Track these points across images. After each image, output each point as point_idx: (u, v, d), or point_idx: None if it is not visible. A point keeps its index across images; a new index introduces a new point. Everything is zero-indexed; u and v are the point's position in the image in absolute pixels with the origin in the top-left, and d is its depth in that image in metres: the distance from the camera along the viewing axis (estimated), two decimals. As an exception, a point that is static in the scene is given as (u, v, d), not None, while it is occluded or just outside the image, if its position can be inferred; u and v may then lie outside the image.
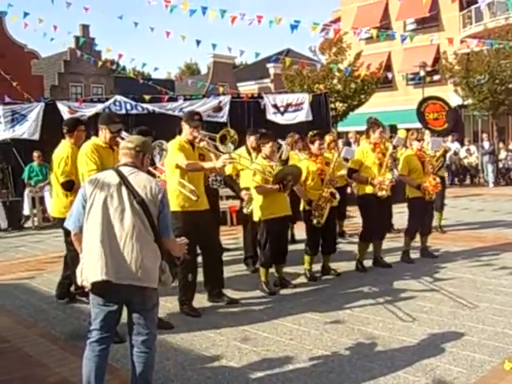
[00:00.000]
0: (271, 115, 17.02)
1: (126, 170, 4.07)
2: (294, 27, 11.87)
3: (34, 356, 5.29)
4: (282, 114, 17.05)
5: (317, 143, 7.89)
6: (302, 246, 8.20)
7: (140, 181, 4.02)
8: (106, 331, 4.02)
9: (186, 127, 6.48)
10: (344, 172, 8.92)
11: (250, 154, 8.26)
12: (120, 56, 17.28)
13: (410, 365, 4.82)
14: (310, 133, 8.26)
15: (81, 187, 4.15)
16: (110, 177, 4.04)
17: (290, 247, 8.48)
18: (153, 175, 6.16)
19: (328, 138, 10.48)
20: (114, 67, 22.55)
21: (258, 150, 7.82)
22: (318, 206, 7.65)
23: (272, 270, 7.47)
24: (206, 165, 6.38)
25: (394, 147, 8.52)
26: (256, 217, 7.36)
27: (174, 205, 6.27)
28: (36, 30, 15.09)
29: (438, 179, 8.72)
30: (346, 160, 8.95)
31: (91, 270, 3.89)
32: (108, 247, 3.89)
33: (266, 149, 7.28)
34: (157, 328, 4.22)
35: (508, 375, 4.56)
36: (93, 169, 5.84)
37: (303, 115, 17.16)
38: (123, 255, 3.91)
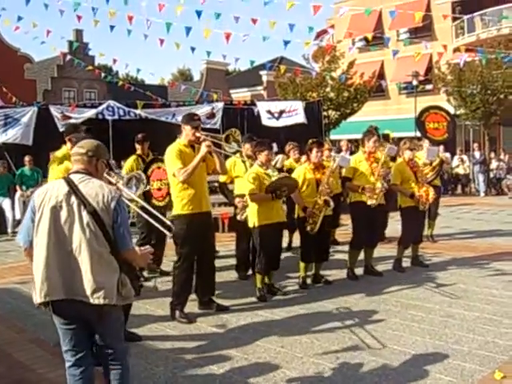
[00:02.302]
0: (266, 120, 17.04)
1: (76, 178, 3.76)
2: (287, 43, 11.93)
3: (24, 361, 5.27)
4: (277, 119, 17.08)
5: (314, 151, 7.87)
6: (294, 254, 8.19)
7: (92, 188, 3.70)
8: (81, 350, 3.77)
9: (186, 128, 6.46)
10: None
11: (244, 161, 8.25)
12: (114, 61, 17.28)
13: (400, 374, 4.82)
14: (310, 141, 8.25)
15: (30, 199, 3.85)
16: (59, 186, 3.74)
17: (284, 254, 8.50)
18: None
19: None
20: (105, 74, 22.43)
21: (253, 157, 7.81)
22: (312, 213, 7.66)
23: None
24: (196, 160, 6.28)
25: (392, 157, 8.52)
26: (251, 223, 7.37)
27: (178, 208, 6.39)
28: (27, 32, 14.96)
29: (431, 189, 8.75)
30: (341, 168, 8.94)
31: (39, 289, 3.63)
32: (55, 263, 3.61)
33: (262, 157, 7.33)
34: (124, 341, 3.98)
35: (498, 385, 4.57)
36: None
37: (300, 118, 17.20)
38: (72, 271, 3.62)
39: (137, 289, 3.95)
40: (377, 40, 27.23)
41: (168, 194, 7.97)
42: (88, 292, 3.60)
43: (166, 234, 8.56)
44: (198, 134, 6.44)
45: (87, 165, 3.84)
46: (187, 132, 6.46)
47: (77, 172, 3.82)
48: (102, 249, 3.65)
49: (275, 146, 10.97)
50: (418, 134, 14.57)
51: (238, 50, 24.28)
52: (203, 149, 6.28)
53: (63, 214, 3.65)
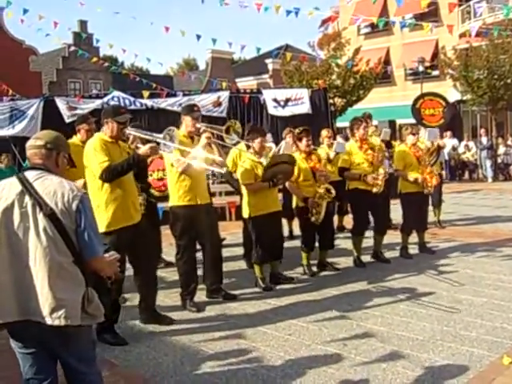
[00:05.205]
0: (272, 109, 16.98)
1: (31, 175, 3.20)
2: (289, 12, 11.66)
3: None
4: (283, 107, 17.02)
5: (304, 140, 7.79)
6: (299, 242, 8.18)
7: (49, 186, 3.14)
8: (45, 378, 3.28)
9: (187, 119, 6.45)
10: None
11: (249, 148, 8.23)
12: (124, 51, 17.35)
13: (408, 360, 4.83)
14: (297, 130, 8.16)
15: None
16: (11, 186, 3.18)
17: (288, 243, 8.52)
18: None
19: (324, 133, 10.47)
20: (110, 64, 22.43)
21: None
22: (315, 203, 7.61)
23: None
24: (192, 154, 6.15)
25: (382, 141, 8.52)
26: (245, 214, 7.32)
27: (175, 199, 6.37)
28: (31, 25, 15.00)
29: (436, 172, 8.77)
30: (338, 154, 8.90)
31: None
32: (8, 278, 3.09)
33: (255, 144, 7.20)
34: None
35: (506, 370, 4.57)
36: (104, 160, 5.39)
37: (305, 108, 17.13)
38: (27, 286, 3.09)
39: (106, 305, 3.39)
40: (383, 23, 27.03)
41: None
42: (46, 311, 3.08)
43: (158, 221, 8.48)
44: (197, 125, 6.46)
45: (45, 159, 3.31)
46: (187, 123, 6.45)
47: (33, 168, 3.28)
48: (63, 258, 3.11)
49: (270, 137, 10.93)
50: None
51: (242, 39, 24.25)
52: (203, 140, 6.28)
53: (15, 219, 3.10)
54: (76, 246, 3.14)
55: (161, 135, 5.71)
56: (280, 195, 8.25)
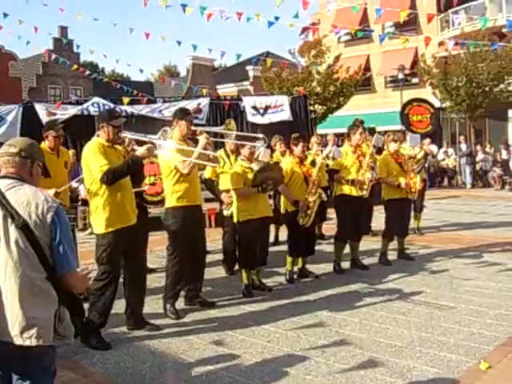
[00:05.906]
0: (251, 117, 17.00)
1: (4, 184, 3.04)
2: (271, 23, 11.77)
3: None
4: (262, 115, 17.03)
5: (300, 145, 7.87)
6: (283, 248, 8.18)
7: (22, 197, 2.98)
8: None
9: (181, 123, 6.47)
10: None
11: (228, 156, 8.26)
12: (105, 57, 17.35)
13: (387, 366, 4.84)
14: (293, 135, 8.23)
15: None
16: None
17: (272, 249, 8.50)
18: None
19: (313, 139, 10.57)
20: (90, 71, 22.34)
21: (236, 152, 7.85)
22: (305, 206, 7.60)
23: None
24: (195, 154, 6.32)
25: (374, 146, 8.58)
26: (236, 218, 7.35)
27: (173, 201, 6.43)
28: (11, 32, 14.91)
29: (418, 178, 8.86)
30: (334, 159, 8.93)
31: None
32: None
33: (245, 151, 7.29)
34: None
35: (483, 375, 4.60)
36: (104, 163, 5.42)
37: (286, 115, 17.17)
38: None
39: (77, 325, 3.14)
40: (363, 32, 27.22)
41: (163, 189, 7.91)
42: (16, 331, 2.91)
43: (147, 227, 8.45)
44: (193, 128, 6.59)
45: (19, 168, 3.13)
46: (182, 127, 6.48)
47: (5, 177, 3.10)
48: (36, 274, 2.94)
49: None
50: (404, 128, 14.64)
51: (223, 46, 24.31)
52: (203, 140, 6.36)
53: None
54: (50, 261, 2.97)
55: (156, 136, 5.77)
56: (271, 201, 8.27)
